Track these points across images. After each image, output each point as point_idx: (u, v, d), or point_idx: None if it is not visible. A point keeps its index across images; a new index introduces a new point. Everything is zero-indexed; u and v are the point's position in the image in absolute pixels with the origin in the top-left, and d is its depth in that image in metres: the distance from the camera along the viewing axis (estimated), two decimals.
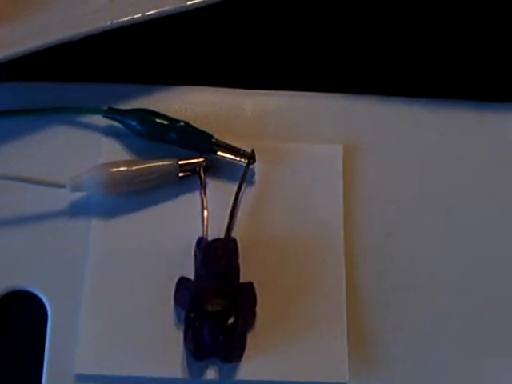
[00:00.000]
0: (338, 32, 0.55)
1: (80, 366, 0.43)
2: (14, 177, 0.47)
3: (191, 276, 0.45)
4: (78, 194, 0.47)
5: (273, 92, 0.52)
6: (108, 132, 0.50)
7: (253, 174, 0.49)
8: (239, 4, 0.53)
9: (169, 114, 0.49)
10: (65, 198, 0.47)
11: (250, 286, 0.44)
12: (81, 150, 0.49)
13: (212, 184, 0.48)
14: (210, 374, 0.43)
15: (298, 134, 0.51)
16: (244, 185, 0.48)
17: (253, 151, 0.48)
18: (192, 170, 0.48)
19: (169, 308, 0.45)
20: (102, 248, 0.46)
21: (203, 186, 0.48)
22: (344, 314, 0.45)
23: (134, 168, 0.47)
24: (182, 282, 0.45)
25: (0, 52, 0.46)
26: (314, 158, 0.49)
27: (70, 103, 0.51)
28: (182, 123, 0.48)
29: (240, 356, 0.43)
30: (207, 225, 0.46)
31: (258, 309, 0.44)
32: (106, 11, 0.47)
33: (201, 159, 0.48)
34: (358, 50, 0.55)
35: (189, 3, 0.47)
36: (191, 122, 0.49)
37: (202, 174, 0.48)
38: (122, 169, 0.47)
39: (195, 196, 0.48)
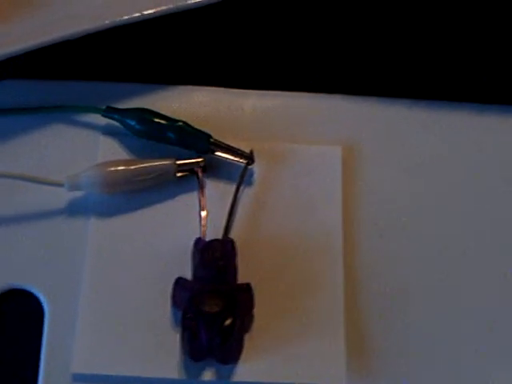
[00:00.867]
0: (338, 33, 0.55)
1: (77, 365, 0.43)
2: (12, 175, 0.47)
3: (189, 277, 0.45)
4: (76, 193, 0.47)
5: (272, 92, 0.52)
6: (106, 131, 0.50)
7: (251, 175, 0.48)
8: (239, 4, 0.53)
9: (167, 114, 0.49)
10: (63, 196, 0.47)
11: (247, 288, 0.44)
12: (79, 149, 0.49)
13: (210, 184, 0.48)
14: (207, 375, 0.43)
15: (297, 135, 0.50)
16: (242, 185, 0.48)
17: (251, 152, 0.48)
18: (190, 170, 0.48)
19: (166, 308, 0.44)
20: (100, 247, 0.46)
21: (201, 187, 0.47)
22: (342, 317, 0.45)
23: (132, 167, 0.47)
24: (180, 282, 0.44)
25: (2, 49, 0.45)
26: (312, 159, 0.49)
27: (68, 102, 0.50)
28: (181, 123, 0.48)
29: (237, 358, 0.43)
30: (205, 225, 0.46)
31: (255, 310, 0.44)
32: (105, 10, 0.47)
33: (199, 159, 0.48)
34: (358, 51, 0.54)
35: (189, 2, 0.47)
36: (190, 122, 0.48)
37: (200, 174, 0.48)
38: (120, 168, 0.46)
39: (193, 196, 0.47)
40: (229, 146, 0.48)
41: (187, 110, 0.51)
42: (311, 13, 0.56)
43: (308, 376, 0.43)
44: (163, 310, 0.44)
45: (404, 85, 0.53)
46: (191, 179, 0.48)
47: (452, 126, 0.51)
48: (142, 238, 0.47)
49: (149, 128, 0.48)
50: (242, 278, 0.45)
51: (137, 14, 0.46)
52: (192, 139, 0.48)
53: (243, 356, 0.43)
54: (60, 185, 0.46)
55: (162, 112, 0.49)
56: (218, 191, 0.48)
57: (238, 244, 0.45)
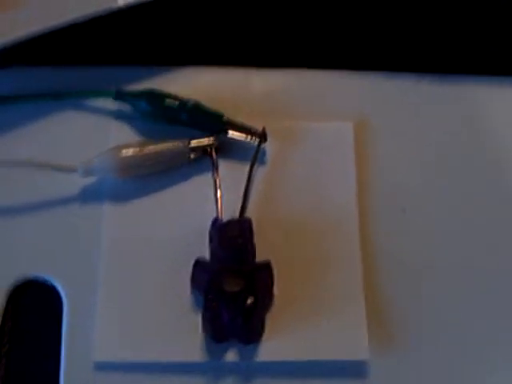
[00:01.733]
0: (346, 9, 0.55)
1: (98, 353, 0.43)
2: (25, 162, 0.46)
3: (207, 258, 0.45)
4: (90, 179, 0.47)
5: (282, 70, 0.52)
6: (118, 115, 0.49)
7: (264, 154, 0.48)
8: None
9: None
10: (77, 183, 0.47)
11: (267, 266, 0.44)
12: (91, 134, 0.49)
13: (224, 165, 0.48)
14: (230, 356, 0.43)
15: (308, 112, 0.50)
16: (256, 164, 0.47)
17: (264, 130, 0.48)
18: (203, 150, 0.47)
19: (185, 291, 0.44)
20: (116, 233, 0.46)
21: (215, 167, 0.47)
22: (361, 292, 0.44)
23: (144, 150, 0.46)
24: (199, 263, 0.44)
25: (7, 36, 0.45)
26: (324, 136, 0.49)
27: (78, 87, 0.50)
28: (192, 103, 0.48)
29: (259, 337, 0.43)
30: (221, 205, 0.46)
31: (275, 289, 0.44)
32: None
33: (212, 139, 0.47)
34: (365, 26, 0.54)
35: None
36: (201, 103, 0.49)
37: (214, 155, 0.47)
38: (132, 151, 0.46)
39: (207, 177, 0.47)
40: (241, 124, 0.48)
41: (197, 90, 0.50)
42: None
43: (331, 352, 0.43)
44: (183, 293, 0.44)
45: (412, 59, 0.53)
46: (205, 160, 0.48)
47: (463, 98, 0.51)
48: (158, 221, 0.46)
49: (160, 110, 0.48)
50: (259, 258, 0.44)
51: None
52: (205, 119, 0.48)
53: (265, 335, 0.43)
54: (73, 171, 0.46)
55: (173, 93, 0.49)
56: (232, 171, 0.48)
57: (254, 223, 0.45)
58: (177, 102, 0.48)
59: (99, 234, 0.46)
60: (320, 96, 0.51)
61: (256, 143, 0.48)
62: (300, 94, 0.51)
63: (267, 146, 0.48)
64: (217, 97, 0.50)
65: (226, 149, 0.48)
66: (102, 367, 0.43)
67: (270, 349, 0.43)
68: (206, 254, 0.45)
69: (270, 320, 0.44)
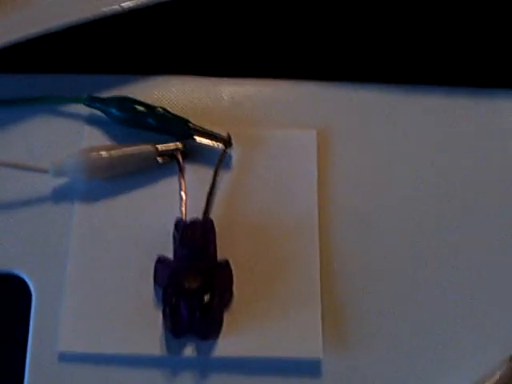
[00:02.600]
0: (311, 19, 0.56)
1: (62, 344, 0.44)
2: None
3: (171, 257, 0.46)
4: (61, 180, 0.49)
5: (248, 80, 0.54)
6: (89, 120, 0.51)
7: (230, 159, 0.50)
8: None
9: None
10: (48, 183, 0.49)
11: (225, 264, 0.46)
12: (64, 138, 0.51)
13: (190, 169, 0.49)
14: (188, 351, 0.44)
15: (273, 121, 0.52)
16: (221, 169, 0.49)
17: (229, 136, 0.49)
18: (171, 155, 0.49)
19: (149, 288, 0.46)
20: (85, 231, 0.48)
21: (181, 170, 0.49)
22: (318, 293, 0.46)
23: (114, 153, 0.48)
24: (161, 260, 0.46)
25: None
26: (288, 143, 0.51)
27: (51, 94, 0.52)
28: (160, 109, 0.50)
29: (217, 333, 0.45)
30: (185, 207, 0.47)
31: (234, 288, 0.46)
32: (85, 2, 0.48)
33: (178, 144, 0.49)
34: (331, 36, 0.56)
35: None
36: (169, 110, 0.50)
37: (180, 159, 0.49)
38: (102, 153, 0.48)
39: (174, 180, 0.49)
40: (207, 130, 0.50)
41: (166, 98, 0.52)
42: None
43: (286, 350, 0.45)
44: (146, 289, 0.46)
45: (377, 69, 0.54)
46: (172, 165, 0.49)
47: (426, 109, 0.53)
48: (126, 221, 0.48)
49: (130, 115, 0.50)
50: (221, 257, 0.46)
51: (115, 7, 0.48)
52: (171, 124, 0.50)
53: (223, 332, 0.45)
54: (45, 171, 0.48)
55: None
56: (197, 175, 0.49)
57: (217, 225, 0.47)
58: (145, 109, 0.50)
59: (69, 232, 0.48)
60: (285, 105, 0.53)
61: (221, 148, 0.49)
62: (266, 103, 0.53)
63: (232, 151, 0.50)
64: (184, 104, 0.52)
65: (193, 154, 0.50)
66: (66, 358, 0.44)
67: (226, 345, 0.45)
68: (171, 254, 0.46)
69: (229, 317, 0.45)
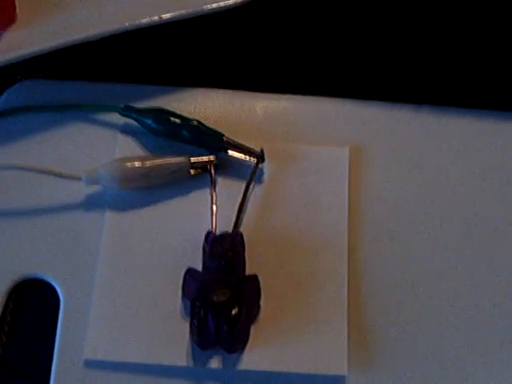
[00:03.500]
0: (348, 39, 0.57)
1: (89, 351, 0.45)
2: (32, 168, 0.49)
3: (199, 269, 0.46)
4: (93, 188, 0.49)
5: (283, 96, 0.54)
6: (124, 129, 0.52)
7: (261, 174, 0.50)
8: (253, 8, 0.54)
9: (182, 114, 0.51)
10: (81, 191, 0.49)
11: (254, 279, 0.46)
12: (97, 146, 0.51)
13: (222, 182, 0.50)
14: (214, 363, 0.45)
15: (306, 137, 0.52)
16: (253, 183, 0.49)
17: (262, 151, 0.50)
18: (203, 167, 0.50)
19: (177, 299, 0.46)
20: (115, 240, 0.48)
21: (213, 183, 0.49)
22: (345, 309, 0.46)
23: (147, 164, 0.48)
24: (190, 272, 0.46)
25: (22, 50, 0.48)
26: (320, 159, 0.51)
27: (88, 101, 0.53)
28: (195, 122, 0.50)
29: (243, 347, 0.45)
30: (215, 220, 0.48)
31: (262, 302, 0.46)
32: (123, 13, 0.49)
33: (212, 157, 0.50)
34: (367, 57, 0.56)
35: (205, 7, 0.49)
36: (203, 122, 0.50)
37: (213, 172, 0.49)
38: (136, 164, 0.48)
39: (205, 193, 0.49)
40: (241, 144, 0.50)
41: (201, 111, 0.53)
42: (321, 18, 0.58)
43: (311, 365, 0.45)
44: (174, 300, 0.46)
45: (410, 90, 0.55)
46: (204, 177, 0.50)
47: (457, 131, 0.53)
48: (156, 231, 0.48)
49: (165, 126, 0.50)
50: (249, 271, 0.46)
51: (155, 18, 0.48)
52: (206, 138, 0.50)
53: (249, 346, 0.45)
54: (78, 179, 0.48)
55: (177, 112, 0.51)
56: (229, 188, 0.49)
57: (246, 239, 0.47)
58: (180, 121, 0.50)
59: (99, 240, 0.48)
60: (319, 122, 0.53)
61: (254, 163, 0.50)
62: (300, 119, 0.53)
63: (265, 166, 0.50)
64: (219, 117, 0.53)
65: (225, 167, 0.50)
66: (92, 365, 0.45)
67: (252, 358, 0.45)
68: (200, 266, 0.47)
69: (255, 331, 0.45)
